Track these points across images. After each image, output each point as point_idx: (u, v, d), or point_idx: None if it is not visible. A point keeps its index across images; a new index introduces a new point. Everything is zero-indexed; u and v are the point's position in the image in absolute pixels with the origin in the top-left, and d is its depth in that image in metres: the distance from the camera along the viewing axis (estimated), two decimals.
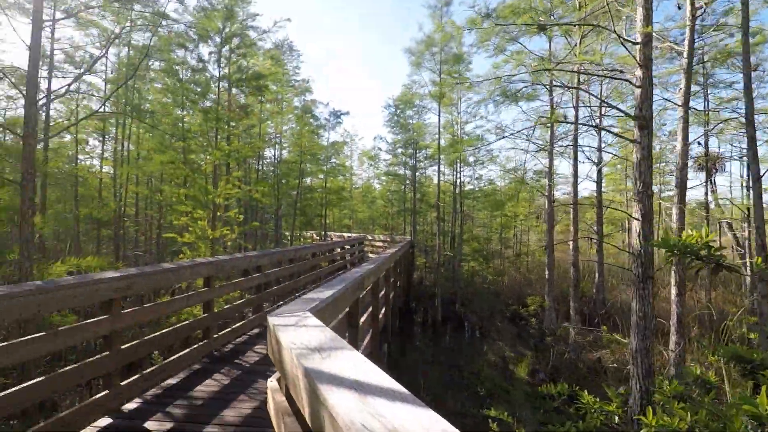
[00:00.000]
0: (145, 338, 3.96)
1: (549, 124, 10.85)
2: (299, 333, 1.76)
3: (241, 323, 6.08)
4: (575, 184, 10.70)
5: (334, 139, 20.33)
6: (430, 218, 22.61)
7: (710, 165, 13.09)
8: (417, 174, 19.41)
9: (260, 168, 18.43)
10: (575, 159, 10.69)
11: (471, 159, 17.21)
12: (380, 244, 23.22)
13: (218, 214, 7.74)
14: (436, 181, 24.55)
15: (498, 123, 11.81)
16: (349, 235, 24.03)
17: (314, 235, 24.31)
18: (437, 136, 17.07)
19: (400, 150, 20.11)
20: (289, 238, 17.37)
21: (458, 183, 17.85)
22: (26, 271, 3.90)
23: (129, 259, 12.16)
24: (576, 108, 11.35)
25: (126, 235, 13.64)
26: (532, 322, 12.57)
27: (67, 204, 12.49)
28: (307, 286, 9.78)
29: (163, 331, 4.25)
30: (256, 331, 6.46)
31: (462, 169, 17.59)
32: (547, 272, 11.14)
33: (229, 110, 9.39)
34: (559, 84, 10.22)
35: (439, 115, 16.22)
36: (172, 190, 7.73)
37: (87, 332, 3.28)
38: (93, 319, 3.32)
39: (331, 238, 24.02)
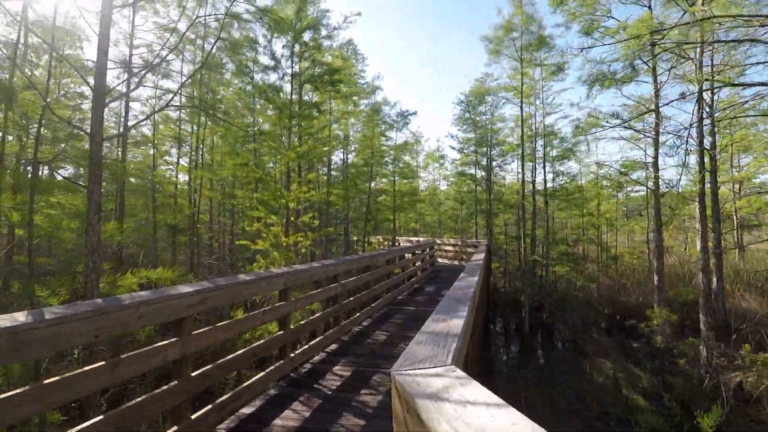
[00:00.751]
0: (219, 362, 3.47)
1: (653, 108, 9.33)
2: (460, 414, 1.02)
3: (317, 339, 5.53)
4: (702, 178, 9.03)
5: (401, 140, 19.70)
6: (503, 220, 21.25)
7: None
8: (491, 173, 18.20)
9: (328, 172, 18.29)
10: (700, 144, 8.97)
11: (553, 153, 15.72)
12: (450, 248, 22.21)
13: (291, 219, 7.37)
14: (508, 181, 23.14)
15: (593, 109, 10.45)
16: (418, 239, 23.29)
17: (380, 240, 23.88)
18: (516, 129, 15.84)
19: (471, 148, 19.03)
20: (357, 243, 17.01)
21: (536, 181, 16.41)
22: (92, 285, 3.61)
23: (203, 267, 12.35)
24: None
25: (200, 242, 14.00)
26: (640, 335, 10.96)
27: (150, 212, 13.06)
28: (382, 296, 9.16)
29: (238, 353, 3.75)
30: (333, 347, 5.89)
31: (543, 165, 16.09)
32: (656, 278, 9.58)
33: (299, 109, 9.06)
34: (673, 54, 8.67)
35: (521, 105, 14.82)
36: (245, 194, 7.52)
37: (154, 359, 2.80)
38: (161, 343, 2.85)
39: (399, 243, 23.43)
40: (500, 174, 21.13)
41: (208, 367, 3.37)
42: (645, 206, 17.50)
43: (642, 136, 10.72)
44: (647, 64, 9.25)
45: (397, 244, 20.55)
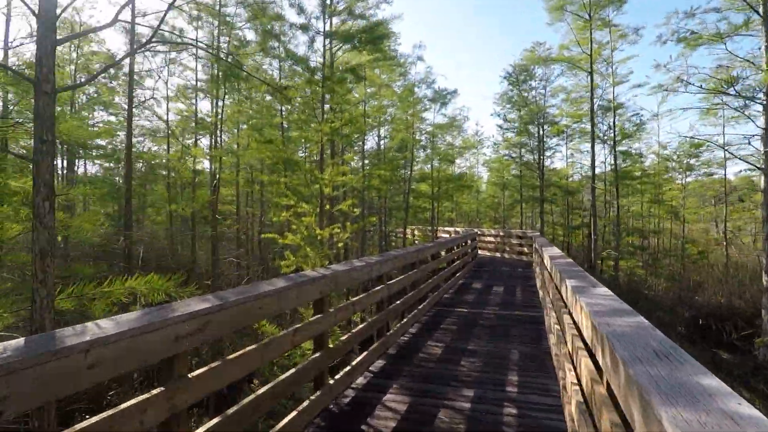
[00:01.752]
0: (230, 413, 2.44)
1: (765, 68, 7.68)
2: None
3: (361, 357, 4.47)
4: None
5: (439, 122, 18.38)
6: (551, 208, 19.56)
7: None
8: (543, 155, 16.56)
9: (363, 157, 17.16)
10: None
11: (620, 130, 13.96)
12: (491, 239, 20.79)
13: (326, 208, 6.35)
14: (555, 165, 21.37)
15: (684, 71, 8.66)
16: (456, 229, 21.97)
17: (415, 232, 22.73)
18: (574, 104, 14.14)
19: (515, 130, 17.40)
20: (393, 235, 15.91)
21: (597, 163, 14.71)
22: (42, 306, 2.57)
23: (226, 264, 11.43)
24: None
25: (223, 235, 13.21)
26: (730, 345, 9.40)
27: (166, 202, 12.25)
28: (429, 296, 8.05)
29: (258, 393, 2.72)
30: (379, 364, 4.82)
31: (612, 144, 14.32)
32: (765, 278, 8.00)
33: (333, 74, 7.90)
34: None
35: (591, 72, 12.81)
36: (273, 179, 6.54)
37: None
38: (129, 403, 1.82)
39: (437, 234, 22.18)
40: (551, 158, 19.44)
41: (216, 420, 2.34)
42: (721, 192, 15.52)
43: (742, 103, 9.00)
44: (757, 12, 7.59)
45: (436, 235, 19.34)
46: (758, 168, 8.08)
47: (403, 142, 14.80)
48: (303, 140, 11.10)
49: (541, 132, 16.21)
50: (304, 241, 5.67)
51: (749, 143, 8.41)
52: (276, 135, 9.30)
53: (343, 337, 4.04)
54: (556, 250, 6.34)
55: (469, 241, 15.52)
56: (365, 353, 4.61)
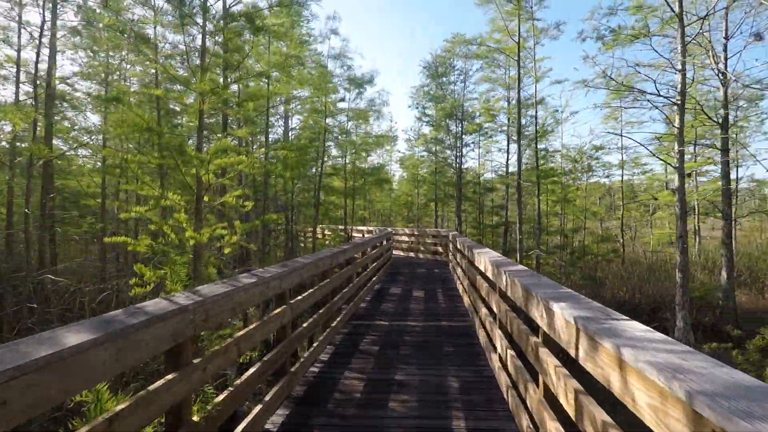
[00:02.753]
0: None
1: (680, 68, 7.80)
2: None
3: (248, 419, 3.14)
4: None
5: (356, 107, 17.17)
6: (473, 207, 19.51)
7: None
8: (461, 153, 16.25)
9: (267, 143, 15.33)
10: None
11: (533, 128, 14.05)
12: (405, 238, 20.26)
13: (205, 200, 4.77)
14: (469, 164, 21.46)
15: (609, 66, 8.64)
16: (368, 228, 21.09)
17: (326, 232, 21.43)
18: (491, 101, 13.89)
19: (432, 124, 16.89)
20: (301, 236, 14.41)
21: (511, 161, 14.75)
22: None
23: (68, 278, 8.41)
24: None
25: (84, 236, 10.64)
26: None
27: None
28: (343, 309, 6.88)
29: None
30: (280, 416, 3.51)
31: (534, 141, 14.30)
32: (679, 276, 8.14)
33: (224, 18, 6.16)
34: None
35: (518, 61, 12.32)
36: (131, 158, 4.69)
37: None
38: None
39: (350, 234, 21.08)
40: (467, 156, 19.34)
41: None
42: (616, 193, 16.50)
43: (657, 104, 9.24)
44: (673, 10, 7.65)
45: (350, 236, 18.19)
46: (674, 167, 8.28)
47: (314, 129, 13.41)
48: (180, 106, 9.08)
49: (459, 128, 15.96)
50: (170, 248, 4.11)
51: (660, 143, 8.69)
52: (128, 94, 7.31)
53: (220, 398, 2.67)
54: (493, 254, 5.54)
55: (384, 242, 14.66)
56: (258, 407, 3.27)
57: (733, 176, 14.53)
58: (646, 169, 22.35)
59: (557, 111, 13.60)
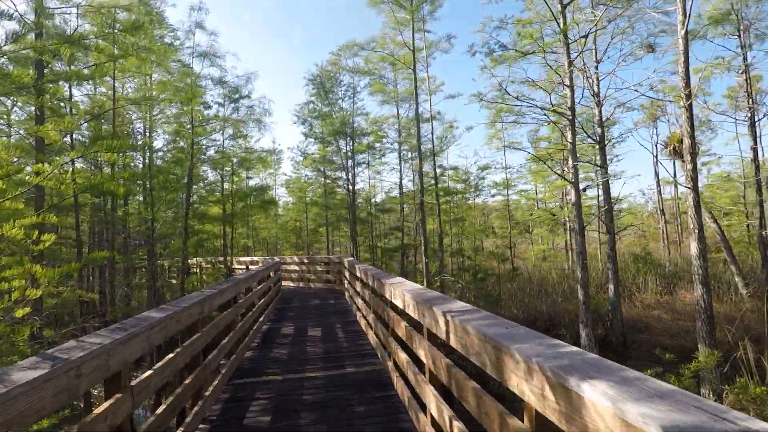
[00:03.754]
0: None
1: (569, 84, 8.08)
2: None
3: None
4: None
5: (230, 115, 15.26)
6: (367, 230, 18.83)
7: None
8: (354, 172, 15.44)
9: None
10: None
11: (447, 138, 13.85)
12: (295, 267, 18.80)
13: None
14: (359, 186, 20.90)
15: (504, 78, 8.64)
16: (254, 259, 19.14)
17: (203, 265, 18.95)
18: (378, 123, 13.46)
19: (319, 143, 15.91)
20: (171, 272, 12.14)
21: (404, 181, 14.46)
22: None
23: None
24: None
25: None
26: None
27: None
28: (222, 367, 5.45)
29: None
30: None
31: (431, 158, 13.94)
32: (581, 293, 8.23)
33: None
34: None
35: (414, 69, 11.67)
36: None
37: None
38: None
39: (231, 267, 18.90)
40: (360, 174, 18.65)
41: None
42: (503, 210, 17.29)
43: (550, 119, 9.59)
44: (559, 25, 7.94)
45: (230, 269, 16.12)
46: (569, 182, 8.55)
47: (183, 149, 11.46)
48: None
49: (350, 147, 15.25)
50: None
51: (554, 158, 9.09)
52: None
53: None
54: (410, 284, 4.69)
55: (272, 274, 13.14)
56: None
57: (614, 193, 16.16)
58: (520, 189, 24.23)
59: (453, 125, 13.71)
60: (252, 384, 5.50)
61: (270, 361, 6.62)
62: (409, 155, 16.41)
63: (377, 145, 16.49)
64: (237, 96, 11.91)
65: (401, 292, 4.20)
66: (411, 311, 3.84)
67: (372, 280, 6.58)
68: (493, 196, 18.35)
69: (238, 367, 6.28)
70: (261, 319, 9.42)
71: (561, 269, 19.19)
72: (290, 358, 6.71)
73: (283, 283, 18.76)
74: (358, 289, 9.18)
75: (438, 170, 14.54)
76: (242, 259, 20.11)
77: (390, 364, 5.31)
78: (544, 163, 10.46)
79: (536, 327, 11.63)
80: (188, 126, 11.18)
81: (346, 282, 13.28)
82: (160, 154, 13.94)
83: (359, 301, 9.06)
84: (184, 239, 10.45)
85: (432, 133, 12.80)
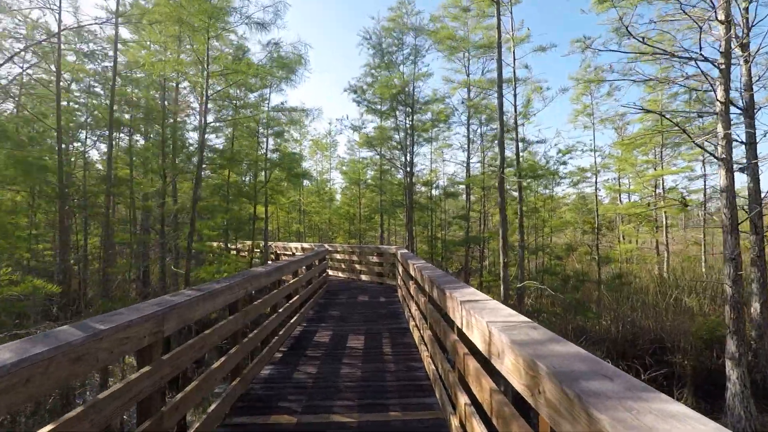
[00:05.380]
0: None
1: (723, 19, 5.64)
2: None
3: None
4: None
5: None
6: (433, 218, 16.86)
7: None
8: (413, 151, 13.42)
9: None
10: None
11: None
12: (343, 257, 17.34)
13: None
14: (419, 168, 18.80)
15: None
16: (304, 245, 17.93)
17: (239, 248, 17.99)
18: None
19: (374, 113, 13.85)
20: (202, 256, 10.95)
21: (473, 161, 12.24)
22: None
23: None
24: None
25: None
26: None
27: None
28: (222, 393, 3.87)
29: None
30: None
31: (515, 130, 11.36)
32: (729, 314, 5.81)
33: None
34: None
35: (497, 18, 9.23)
36: None
37: None
38: None
39: (275, 253, 17.83)
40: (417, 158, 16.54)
41: None
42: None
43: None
44: None
45: (272, 255, 14.91)
46: (717, 158, 6.09)
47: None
48: None
49: (409, 121, 13.27)
50: None
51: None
52: None
53: None
54: (499, 308, 2.77)
55: (317, 262, 11.67)
56: None
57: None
58: (604, 179, 21.08)
59: (540, 87, 11.23)
60: (253, 429, 3.87)
61: (290, 387, 4.99)
62: (479, 131, 14.12)
63: (440, 125, 14.39)
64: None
65: (484, 325, 2.31)
66: (505, 364, 1.95)
67: (430, 286, 4.71)
68: (576, 184, 15.67)
69: (245, 393, 4.71)
70: (295, 318, 7.89)
71: (652, 273, 16.17)
72: (317, 385, 5.03)
73: (331, 273, 17.42)
74: (412, 290, 7.35)
75: (520, 145, 12.15)
76: (291, 244, 19.00)
77: (455, 422, 3.45)
78: (676, 124, 7.68)
79: (638, 348, 9.18)
80: (199, 67, 9.67)
81: (399, 278, 11.53)
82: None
83: (413, 307, 7.23)
84: (192, 217, 8.98)
85: (514, 95, 10.46)
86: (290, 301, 7.72)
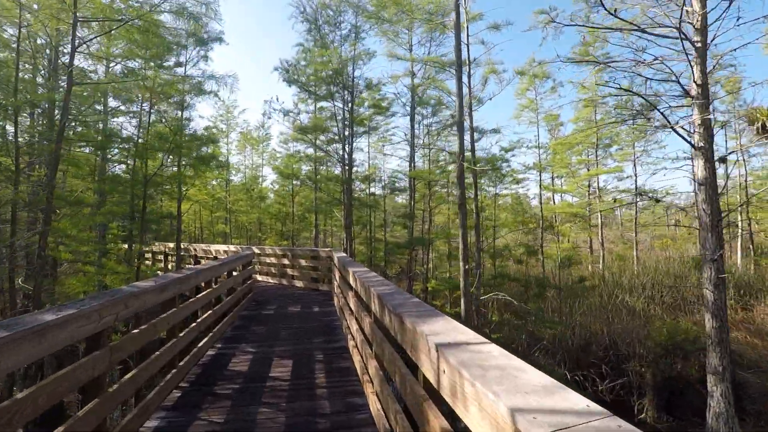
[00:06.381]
0: None
1: None
2: None
3: None
4: None
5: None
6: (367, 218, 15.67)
7: None
8: (352, 141, 12.09)
9: None
10: None
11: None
12: (273, 260, 15.73)
13: None
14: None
15: None
16: (224, 248, 16.08)
17: (156, 250, 15.87)
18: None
19: (307, 94, 12.38)
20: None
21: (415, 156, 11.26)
22: None
23: None
24: None
25: None
26: None
27: None
28: None
29: None
30: None
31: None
32: (710, 323, 5.15)
33: None
34: None
35: None
36: None
37: None
38: None
39: (195, 257, 15.94)
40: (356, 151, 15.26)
41: None
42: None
43: None
44: None
45: (190, 259, 13.05)
46: (694, 146, 5.44)
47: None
48: None
49: (348, 109, 11.96)
50: None
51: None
52: None
53: None
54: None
55: (240, 268, 10.11)
56: None
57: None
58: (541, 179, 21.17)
59: (495, 68, 10.37)
60: None
61: None
62: (423, 124, 13.13)
63: (382, 114, 13.29)
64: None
65: (508, 418, 1.17)
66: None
67: (380, 307, 3.54)
68: (518, 182, 15.28)
69: None
70: (206, 340, 6.40)
71: (595, 273, 16.27)
72: None
73: (260, 278, 15.77)
74: (352, 303, 6.15)
75: (479, 132, 11.30)
76: (214, 247, 17.05)
77: None
78: (654, 107, 6.95)
79: (592, 356, 8.63)
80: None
81: (335, 284, 10.29)
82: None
83: (353, 325, 6.03)
84: (46, 210, 6.86)
85: (469, 78, 9.56)
86: (199, 319, 6.23)
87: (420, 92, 11.91)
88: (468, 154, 9.68)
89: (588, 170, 20.08)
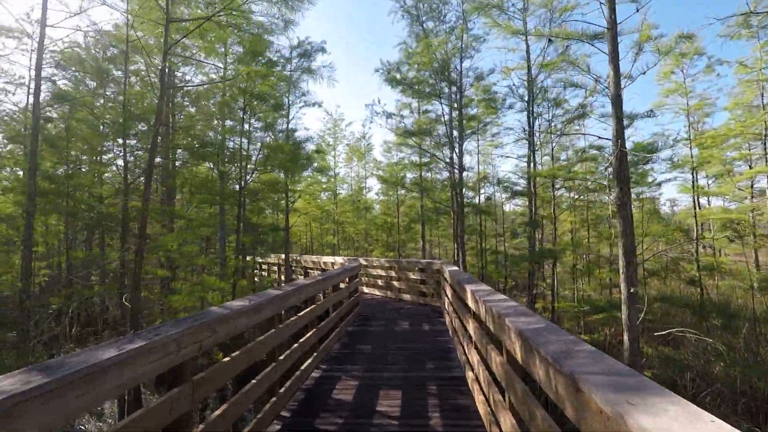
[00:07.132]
0: None
1: None
2: None
3: None
4: None
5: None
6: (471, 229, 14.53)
7: None
8: (462, 142, 11.02)
9: None
10: None
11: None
12: (380, 272, 15.27)
13: None
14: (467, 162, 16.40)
15: None
16: (336, 260, 16.07)
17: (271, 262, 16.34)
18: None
19: (415, 95, 11.53)
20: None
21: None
22: None
23: None
24: None
25: None
26: None
27: None
28: None
29: None
30: None
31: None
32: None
33: None
34: None
35: None
36: None
37: None
38: None
39: (304, 269, 16.10)
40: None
41: None
42: None
43: None
44: None
45: (300, 270, 13.09)
46: None
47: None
48: None
49: (457, 107, 10.94)
50: None
51: None
52: None
53: None
54: None
55: (347, 281, 9.70)
56: None
57: None
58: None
59: (653, 32, 8.69)
60: None
61: None
62: (542, 118, 11.49)
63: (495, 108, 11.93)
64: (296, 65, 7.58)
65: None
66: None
67: (519, 344, 2.55)
68: (659, 184, 12.79)
69: None
70: (311, 360, 5.92)
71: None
72: None
73: (366, 291, 15.43)
74: (471, 329, 5.16)
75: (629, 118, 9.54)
76: (323, 258, 17.19)
77: None
78: None
79: None
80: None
81: (446, 300, 9.36)
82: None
83: (473, 356, 5.05)
84: (141, 222, 6.66)
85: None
86: (302, 339, 5.77)
87: (540, 81, 10.49)
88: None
89: (751, 167, 16.54)
